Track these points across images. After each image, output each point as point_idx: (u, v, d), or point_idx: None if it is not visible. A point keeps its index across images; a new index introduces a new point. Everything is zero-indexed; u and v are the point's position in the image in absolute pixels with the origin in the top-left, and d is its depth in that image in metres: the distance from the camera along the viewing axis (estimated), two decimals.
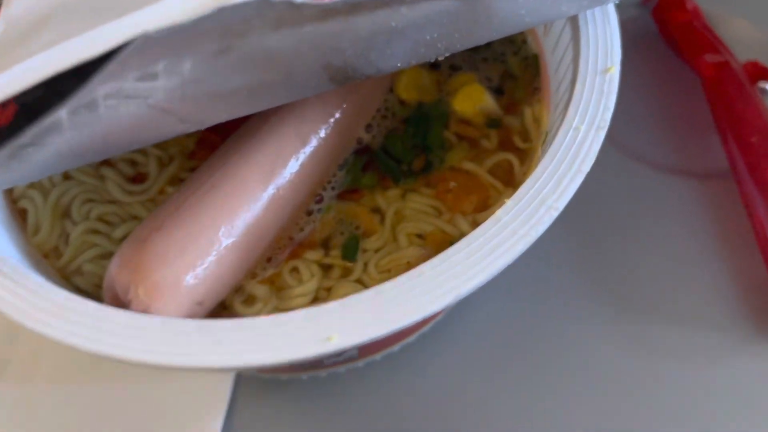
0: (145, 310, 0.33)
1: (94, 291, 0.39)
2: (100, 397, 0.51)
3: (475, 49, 0.46)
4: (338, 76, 0.31)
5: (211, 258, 0.35)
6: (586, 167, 0.34)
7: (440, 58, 0.33)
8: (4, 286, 0.32)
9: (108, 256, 0.40)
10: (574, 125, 0.35)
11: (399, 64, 0.32)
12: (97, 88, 0.25)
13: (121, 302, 0.35)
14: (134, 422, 0.50)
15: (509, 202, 0.33)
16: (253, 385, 0.50)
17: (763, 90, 0.61)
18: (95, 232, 0.41)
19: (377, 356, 0.47)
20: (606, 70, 0.37)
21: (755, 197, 0.53)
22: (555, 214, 0.33)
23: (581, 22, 0.39)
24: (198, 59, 0.26)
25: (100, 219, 0.41)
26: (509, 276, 0.50)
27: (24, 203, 0.41)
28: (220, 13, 0.24)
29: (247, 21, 0.25)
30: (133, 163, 0.43)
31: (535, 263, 0.53)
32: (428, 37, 0.30)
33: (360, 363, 0.47)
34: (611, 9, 0.39)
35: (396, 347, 0.48)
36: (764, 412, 0.48)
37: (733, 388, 0.48)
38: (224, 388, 0.50)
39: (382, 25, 0.28)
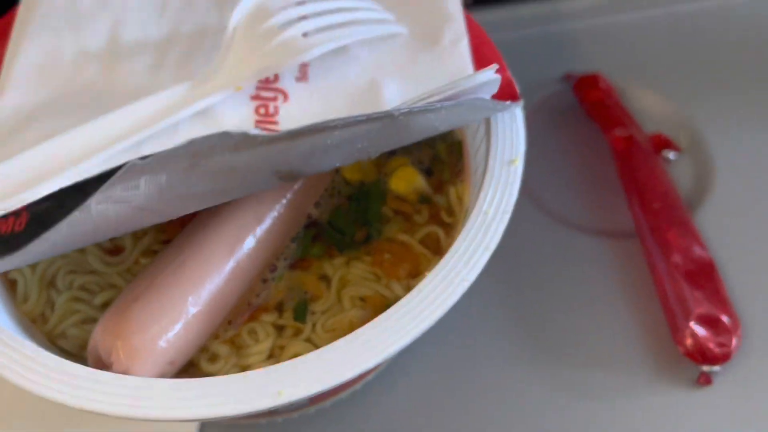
0: (125, 371, 0.40)
1: (77, 351, 0.45)
2: None
3: None
4: (286, 176, 0.38)
5: (181, 324, 0.41)
6: (493, 245, 0.41)
7: (372, 158, 0.40)
8: (4, 354, 0.38)
9: (89, 321, 0.46)
10: (483, 209, 0.43)
11: (338, 164, 0.39)
12: (91, 202, 0.31)
13: (103, 363, 0.41)
14: None
15: (429, 275, 0.40)
16: (215, 428, 0.55)
17: (666, 159, 0.70)
18: (78, 299, 0.47)
19: (327, 403, 0.54)
20: (511, 162, 0.45)
21: (657, 255, 0.61)
22: (467, 284, 0.40)
23: (492, 120, 0.46)
24: (172, 173, 0.33)
25: (82, 288, 0.47)
26: (443, 328, 0.57)
27: (14, 275, 0.47)
28: (191, 143, 0.30)
29: (211, 147, 0.32)
30: (111, 237, 0.50)
31: (467, 310, 0.59)
32: (359, 146, 0.38)
33: (311, 410, 0.53)
34: (518, 109, 0.47)
35: (344, 395, 0.54)
36: None
37: (639, 422, 0.55)
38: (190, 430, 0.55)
39: (319, 144, 0.35)
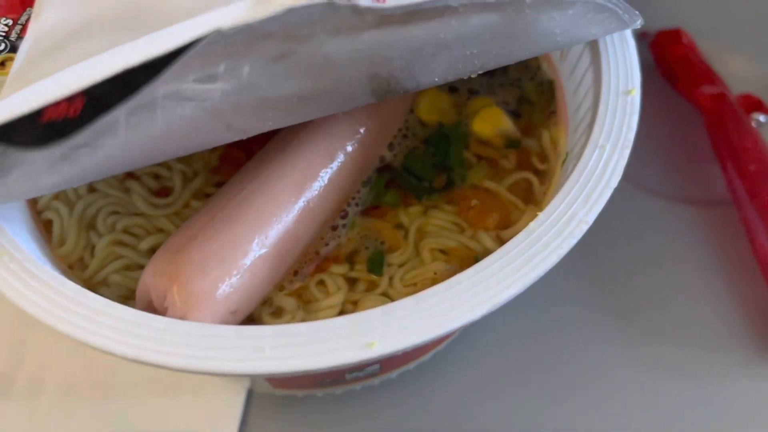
0: (181, 317, 0.34)
1: (120, 302, 0.39)
2: (109, 414, 0.51)
3: (493, 75, 0.47)
4: (380, 88, 0.32)
5: (246, 268, 0.35)
6: (614, 183, 0.35)
7: (473, 76, 0.34)
8: (42, 294, 0.32)
9: (134, 267, 0.40)
10: (599, 144, 0.37)
11: (436, 79, 0.33)
12: (159, 88, 0.25)
13: (155, 310, 0.35)
14: None
15: (541, 216, 0.34)
16: (265, 401, 0.50)
17: (757, 121, 0.63)
18: (121, 243, 0.41)
19: (393, 374, 0.48)
20: (627, 92, 0.39)
21: (756, 223, 0.54)
22: (585, 227, 0.34)
23: (601, 48, 0.40)
24: (257, 64, 0.27)
25: (126, 231, 0.41)
26: (517, 296, 0.51)
27: (49, 215, 0.41)
28: (289, 14, 0.24)
29: (311, 25, 0.25)
30: (157, 177, 0.44)
31: (543, 287, 0.54)
32: (468, 53, 0.32)
33: (376, 381, 0.47)
34: (629, 35, 0.41)
35: (412, 365, 0.48)
36: (762, 430, 0.49)
37: (735, 407, 0.50)
38: (236, 404, 0.50)
39: (432, 35, 0.29)
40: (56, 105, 0.26)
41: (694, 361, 0.51)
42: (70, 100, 0.26)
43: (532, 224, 0.34)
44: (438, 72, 0.32)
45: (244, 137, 0.32)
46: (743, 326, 0.53)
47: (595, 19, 0.33)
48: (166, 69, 0.24)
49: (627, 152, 0.36)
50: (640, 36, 0.70)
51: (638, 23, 0.37)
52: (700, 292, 0.54)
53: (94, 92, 0.26)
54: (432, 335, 0.31)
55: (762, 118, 0.64)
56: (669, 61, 0.67)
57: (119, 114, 0.26)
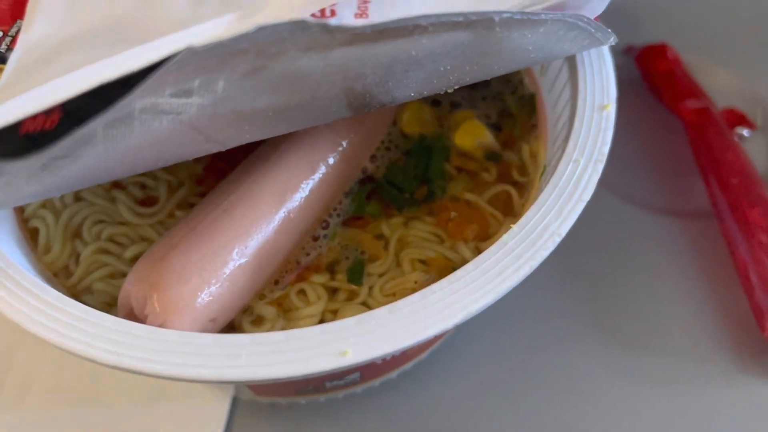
0: (161, 325, 0.34)
1: (103, 309, 0.39)
2: (94, 422, 0.51)
3: (475, 88, 0.48)
4: (356, 102, 0.32)
5: (226, 276, 0.36)
6: (587, 196, 0.36)
7: (449, 90, 0.35)
8: (25, 301, 0.33)
9: (118, 275, 0.41)
10: (573, 158, 0.37)
11: (412, 94, 0.34)
12: (136, 101, 0.26)
13: (135, 317, 0.36)
14: None
15: (515, 228, 0.35)
16: (249, 409, 0.50)
17: (740, 135, 0.64)
18: (106, 252, 0.42)
19: (376, 382, 0.48)
20: (603, 107, 0.39)
21: (736, 235, 0.55)
22: (558, 239, 0.35)
23: (578, 63, 0.41)
24: (231, 78, 0.27)
25: (111, 240, 0.42)
26: (501, 307, 0.52)
27: (35, 223, 0.42)
28: (259, 32, 0.25)
29: (282, 42, 0.26)
30: (143, 186, 0.44)
31: (528, 296, 0.55)
32: (441, 69, 0.32)
33: (358, 389, 0.48)
34: (606, 51, 0.42)
35: (394, 374, 0.48)
36: None
37: (716, 415, 0.50)
38: (221, 412, 0.50)
39: (402, 52, 0.29)
40: (34, 118, 0.27)
41: (676, 371, 0.52)
42: (47, 113, 0.27)
43: (505, 236, 0.34)
44: (412, 87, 0.33)
45: (223, 149, 0.33)
46: (724, 336, 0.53)
47: (566, 37, 0.34)
48: (141, 84, 0.25)
49: (601, 166, 0.37)
50: (627, 50, 0.71)
51: (611, 41, 0.37)
52: (682, 303, 0.55)
53: (70, 106, 0.27)
54: (405, 344, 0.31)
55: (745, 132, 0.64)
56: (654, 75, 0.68)
57: (96, 126, 0.26)
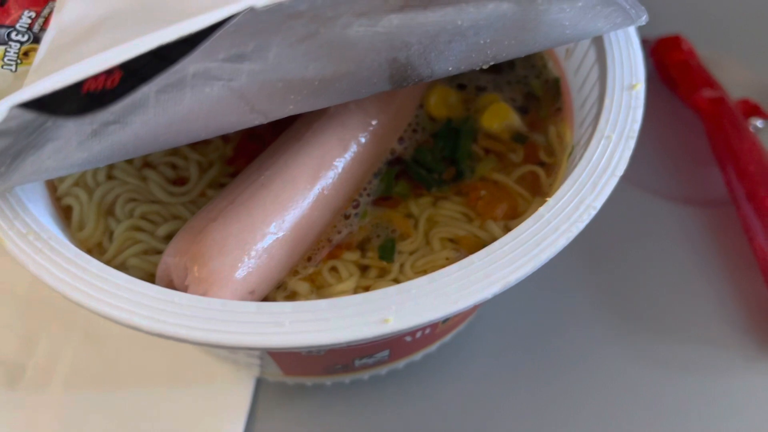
0: (202, 295, 0.35)
1: None
2: (118, 404, 0.51)
3: (500, 72, 0.49)
4: (397, 75, 0.33)
5: (264, 249, 0.37)
6: (620, 171, 0.36)
7: (484, 67, 0.36)
8: (68, 271, 0.33)
9: (152, 252, 0.41)
10: (605, 134, 0.38)
11: (450, 68, 0.35)
12: (190, 65, 0.27)
13: (175, 289, 0.36)
14: (154, 429, 0.50)
15: (550, 201, 0.35)
16: (273, 391, 0.50)
17: (755, 126, 0.65)
18: (139, 229, 0.42)
19: (400, 364, 0.49)
20: (632, 87, 0.40)
21: (754, 223, 0.56)
22: (593, 212, 0.35)
23: (606, 44, 0.42)
24: (283, 44, 0.28)
25: (143, 217, 0.42)
26: (523, 295, 0.52)
27: (69, 200, 0.42)
28: None
29: (337, 6, 0.27)
30: (173, 167, 0.45)
31: (548, 285, 0.55)
32: (482, 41, 0.33)
33: (383, 370, 0.48)
34: (632, 32, 0.42)
35: (418, 356, 0.49)
36: (763, 426, 0.50)
37: (736, 402, 0.51)
38: (245, 393, 0.51)
39: (449, 22, 0.30)
40: (96, 78, 0.28)
41: (695, 358, 0.52)
42: (108, 72, 0.28)
43: (541, 209, 0.35)
44: (452, 60, 0.33)
45: (266, 121, 0.34)
46: (743, 324, 0.54)
47: (602, 13, 0.34)
48: (199, 45, 0.25)
49: (632, 143, 0.38)
50: (642, 43, 0.72)
51: (644, 19, 0.38)
52: (700, 290, 0.55)
53: (130, 66, 0.28)
54: (445, 313, 0.32)
55: (759, 122, 0.65)
56: (669, 67, 0.68)
57: (149, 91, 0.27)
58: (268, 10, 0.25)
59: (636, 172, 0.62)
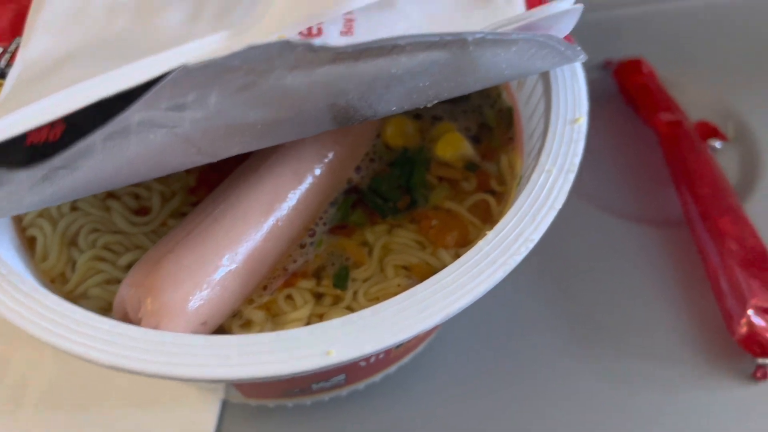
0: (155, 328, 0.36)
1: (99, 314, 0.41)
2: (87, 426, 0.53)
3: (455, 102, 0.50)
4: (340, 116, 0.34)
5: (216, 281, 0.38)
6: (558, 204, 0.38)
7: (428, 105, 0.37)
8: (25, 305, 0.34)
9: (113, 281, 0.43)
10: (546, 168, 0.40)
11: (393, 108, 0.36)
12: (133, 115, 0.28)
13: (130, 321, 0.38)
14: None
15: (490, 235, 0.37)
16: (238, 412, 0.52)
17: (713, 147, 0.67)
18: (101, 259, 0.43)
19: (360, 385, 0.50)
20: (575, 121, 0.42)
21: (707, 243, 0.58)
22: (531, 245, 0.37)
23: (552, 78, 0.43)
24: (223, 94, 0.29)
25: (106, 248, 0.44)
26: (482, 313, 0.54)
27: (33, 231, 0.43)
28: (249, 51, 0.27)
29: (270, 60, 0.28)
30: (137, 196, 0.46)
31: (508, 302, 0.57)
32: (420, 84, 0.34)
33: (343, 392, 0.50)
34: (578, 67, 0.44)
35: (378, 377, 0.50)
36: None
37: (689, 416, 0.52)
38: (211, 415, 0.52)
39: (382, 70, 0.32)
40: (38, 130, 0.29)
41: (650, 373, 0.54)
42: (51, 125, 0.29)
43: (480, 242, 0.36)
44: (393, 102, 0.35)
45: (215, 160, 0.35)
46: (696, 340, 0.55)
47: (538, 55, 0.36)
48: (139, 98, 0.27)
49: (572, 176, 0.39)
50: (605, 65, 0.74)
51: (581, 58, 0.40)
52: (656, 308, 0.57)
53: (73, 119, 0.29)
54: (387, 344, 0.33)
55: (718, 144, 0.67)
56: (630, 88, 0.70)
57: (96, 139, 0.28)
58: (202, 66, 0.27)
59: (595, 192, 0.64)
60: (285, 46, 0.27)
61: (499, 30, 0.35)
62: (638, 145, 0.68)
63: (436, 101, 0.37)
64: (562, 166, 0.40)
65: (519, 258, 0.36)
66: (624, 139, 0.69)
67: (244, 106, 0.30)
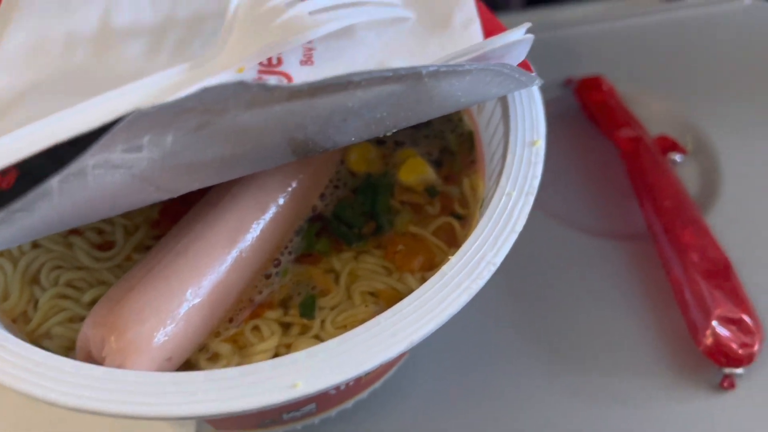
0: (119, 366, 0.36)
1: (62, 353, 0.40)
2: None
3: (417, 127, 0.51)
4: (299, 149, 0.35)
5: (181, 316, 0.38)
6: (519, 227, 0.39)
7: (388, 134, 0.37)
8: None
9: (77, 319, 0.42)
10: (506, 191, 0.40)
11: (353, 139, 0.36)
12: (89, 159, 0.28)
13: (94, 360, 0.37)
14: None
15: (453, 259, 0.37)
16: None
17: (673, 160, 0.68)
18: (64, 297, 0.43)
19: (332, 413, 0.50)
20: (533, 143, 0.42)
21: (671, 255, 0.59)
22: (493, 268, 0.37)
23: (510, 102, 0.44)
24: (179, 134, 0.30)
25: (69, 285, 0.43)
26: (451, 334, 0.54)
27: None
28: (203, 92, 0.27)
29: (225, 100, 0.28)
30: (100, 231, 0.46)
31: (476, 323, 0.57)
32: (378, 116, 0.35)
33: (316, 420, 0.50)
34: (535, 90, 0.45)
35: (350, 404, 0.50)
36: None
37: (657, 428, 0.53)
38: None
39: (339, 105, 0.32)
40: None
41: (617, 386, 0.54)
42: (3, 173, 0.29)
43: (444, 268, 0.37)
44: (352, 133, 0.35)
45: (175, 196, 0.35)
46: (662, 352, 0.56)
47: (493, 82, 0.37)
48: (93, 144, 0.27)
49: (531, 198, 0.40)
50: (567, 82, 0.75)
51: (537, 83, 0.40)
52: (622, 321, 0.58)
53: (25, 166, 0.29)
54: (353, 374, 0.33)
55: (677, 157, 0.68)
56: (591, 105, 0.71)
57: (52, 182, 0.28)
58: (157, 109, 0.27)
59: (560, 207, 0.65)
60: (239, 86, 0.28)
61: (453, 62, 0.35)
62: (601, 160, 0.69)
63: (395, 130, 0.38)
64: (522, 188, 0.40)
65: (482, 282, 0.37)
66: (587, 155, 0.70)
67: (201, 145, 0.31)
